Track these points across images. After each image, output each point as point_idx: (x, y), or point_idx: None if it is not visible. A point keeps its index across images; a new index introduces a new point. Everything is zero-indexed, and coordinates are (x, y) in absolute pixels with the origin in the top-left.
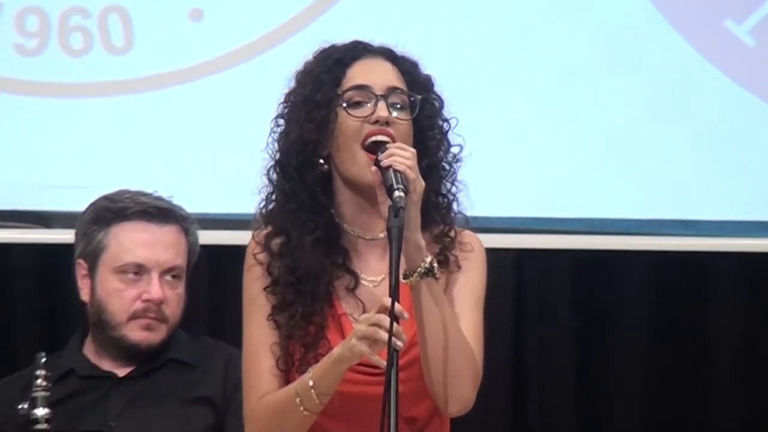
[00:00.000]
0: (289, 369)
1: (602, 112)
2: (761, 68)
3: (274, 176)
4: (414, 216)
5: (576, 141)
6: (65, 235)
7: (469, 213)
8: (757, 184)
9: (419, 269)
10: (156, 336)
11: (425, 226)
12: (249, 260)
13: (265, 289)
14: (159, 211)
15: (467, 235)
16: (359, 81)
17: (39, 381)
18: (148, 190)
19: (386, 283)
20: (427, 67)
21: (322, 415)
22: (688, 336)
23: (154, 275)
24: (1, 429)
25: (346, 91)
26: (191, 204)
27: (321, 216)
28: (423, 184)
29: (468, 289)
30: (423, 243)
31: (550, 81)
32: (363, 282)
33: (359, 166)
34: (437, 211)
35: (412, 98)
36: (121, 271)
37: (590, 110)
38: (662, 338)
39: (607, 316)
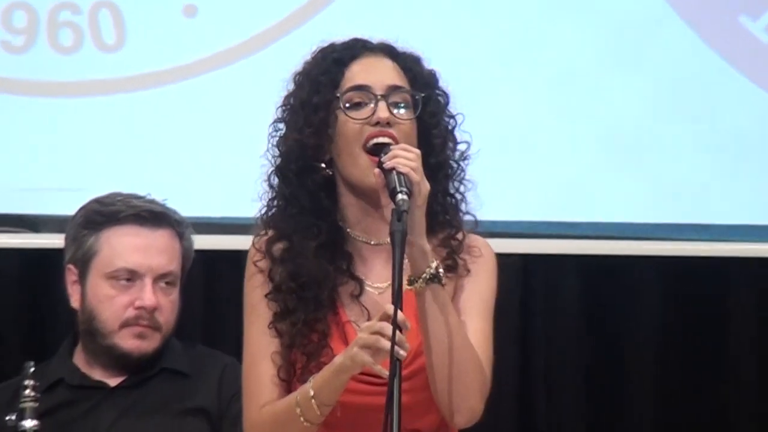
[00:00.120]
0: (291, 378)
1: (611, 113)
2: None
3: (275, 182)
4: (418, 219)
5: (584, 143)
6: (54, 240)
7: (477, 213)
8: None
9: (424, 275)
10: (149, 344)
11: (432, 230)
12: (250, 268)
13: (266, 296)
14: (152, 215)
15: (476, 239)
16: (358, 81)
17: (27, 391)
18: (141, 193)
19: (391, 289)
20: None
21: (324, 426)
22: (697, 341)
23: (147, 281)
24: None
25: (345, 92)
26: (185, 207)
27: (324, 221)
28: (428, 186)
29: (476, 296)
30: (428, 248)
31: (557, 81)
32: (368, 288)
33: (361, 169)
34: (444, 212)
35: (414, 96)
36: (113, 277)
37: (598, 111)
38: (672, 343)
39: (616, 321)
